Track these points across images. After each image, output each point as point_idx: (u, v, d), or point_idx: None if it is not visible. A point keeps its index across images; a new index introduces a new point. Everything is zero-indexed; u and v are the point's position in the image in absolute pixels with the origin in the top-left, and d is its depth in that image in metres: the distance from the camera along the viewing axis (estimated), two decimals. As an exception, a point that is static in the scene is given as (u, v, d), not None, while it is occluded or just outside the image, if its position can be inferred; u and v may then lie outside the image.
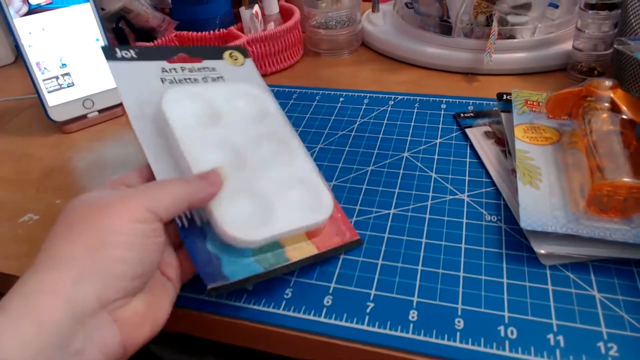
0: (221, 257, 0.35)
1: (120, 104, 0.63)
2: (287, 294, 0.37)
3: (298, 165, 0.41)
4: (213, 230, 0.35)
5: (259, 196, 0.37)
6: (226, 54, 0.48)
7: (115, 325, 0.29)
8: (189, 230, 0.35)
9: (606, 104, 0.42)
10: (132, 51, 0.42)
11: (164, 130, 0.39)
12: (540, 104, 0.50)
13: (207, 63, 0.46)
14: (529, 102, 0.50)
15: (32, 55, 0.57)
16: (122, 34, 0.64)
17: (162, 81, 0.42)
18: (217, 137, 0.40)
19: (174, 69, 0.44)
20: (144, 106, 0.40)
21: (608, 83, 0.43)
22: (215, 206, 0.35)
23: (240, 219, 0.35)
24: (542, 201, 0.39)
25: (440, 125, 0.54)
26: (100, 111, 0.61)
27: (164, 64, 0.43)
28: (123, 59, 0.42)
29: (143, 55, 0.43)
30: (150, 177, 0.37)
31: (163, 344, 0.58)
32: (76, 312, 0.26)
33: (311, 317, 0.35)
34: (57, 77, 0.58)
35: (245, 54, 0.49)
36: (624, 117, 0.41)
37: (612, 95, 0.42)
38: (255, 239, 0.35)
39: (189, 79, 0.44)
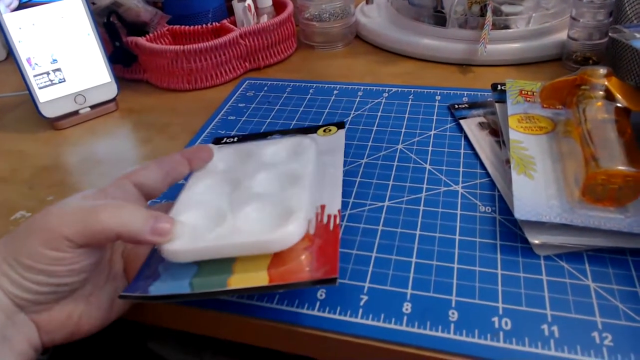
0: (162, 273, 0.34)
1: (113, 100, 0.62)
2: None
3: (291, 193, 0.37)
4: None
5: (223, 209, 0.36)
6: (320, 130, 0.50)
7: (33, 325, 0.31)
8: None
9: (600, 92, 0.42)
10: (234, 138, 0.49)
11: None
12: (535, 93, 0.49)
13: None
14: (523, 92, 0.50)
15: (23, 51, 0.56)
16: (114, 29, 0.64)
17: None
18: (222, 173, 0.41)
19: None
20: None
21: (602, 71, 0.43)
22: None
23: (182, 231, 0.34)
24: (537, 191, 0.39)
25: (435, 117, 0.54)
26: (92, 107, 0.61)
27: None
28: (226, 143, 0.48)
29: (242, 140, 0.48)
30: (169, 169, 0.38)
31: (162, 342, 0.58)
32: (2, 308, 0.30)
33: (305, 310, 0.35)
34: (48, 73, 0.58)
35: (341, 126, 0.50)
36: (619, 105, 0.41)
37: (606, 83, 0.42)
38: (188, 249, 0.33)
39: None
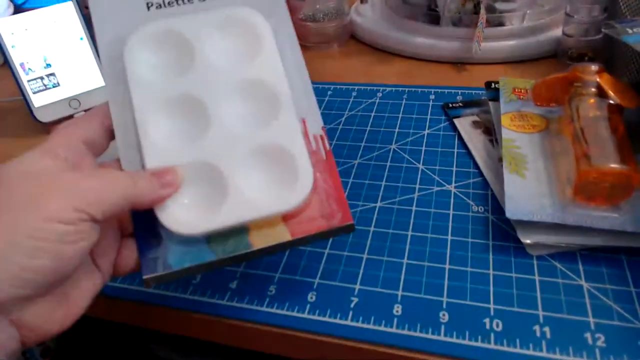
0: (170, 241, 0.30)
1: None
2: (271, 291, 0.36)
3: (280, 124, 0.32)
4: None
5: (216, 176, 0.31)
6: None
7: (12, 326, 0.25)
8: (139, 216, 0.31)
9: (592, 89, 0.42)
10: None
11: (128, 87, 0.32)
12: (528, 91, 0.49)
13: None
14: (516, 90, 0.50)
15: (16, 56, 0.56)
16: (107, 33, 0.64)
17: (148, 7, 0.34)
18: (179, 92, 0.32)
19: None
20: (120, 46, 0.32)
21: (594, 67, 0.42)
22: None
23: (185, 206, 0.30)
24: (529, 190, 0.39)
25: (429, 116, 0.54)
26: (86, 111, 0.61)
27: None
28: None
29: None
30: (104, 119, 0.32)
31: (165, 345, 0.58)
32: None
33: (295, 313, 0.35)
34: (42, 78, 0.58)
35: None
36: (611, 102, 0.41)
37: (598, 79, 0.42)
38: (196, 232, 0.30)
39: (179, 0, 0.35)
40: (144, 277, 0.30)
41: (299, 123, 0.32)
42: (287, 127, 0.32)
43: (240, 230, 0.31)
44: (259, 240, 0.31)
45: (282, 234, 0.31)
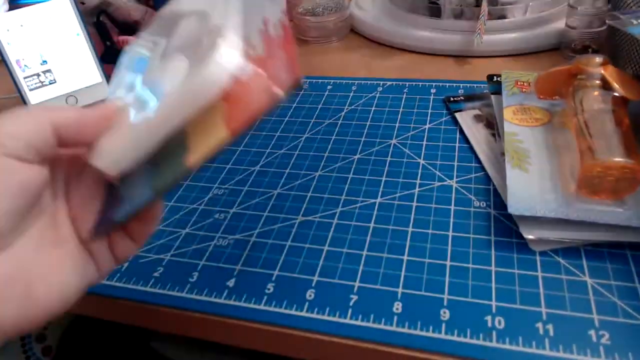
0: (124, 197, 0.27)
1: (105, 100, 0.62)
2: (269, 289, 0.36)
3: (212, 22, 0.26)
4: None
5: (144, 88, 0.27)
6: None
7: None
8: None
9: (597, 82, 0.41)
10: None
11: None
12: (531, 84, 0.48)
13: None
14: (519, 83, 0.49)
15: (12, 52, 0.56)
16: (104, 28, 0.63)
17: None
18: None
19: None
20: None
21: (598, 59, 0.41)
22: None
23: (111, 135, 0.26)
24: (532, 185, 0.38)
25: (430, 111, 0.53)
26: (84, 107, 0.60)
27: None
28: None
29: None
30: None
31: (165, 341, 0.58)
32: None
33: (293, 311, 0.34)
34: (38, 75, 0.57)
35: None
36: (616, 94, 0.40)
37: (602, 72, 0.41)
38: (117, 154, 0.26)
39: None
40: (90, 233, 0.27)
41: (236, 12, 0.26)
42: (217, 17, 0.26)
43: (175, 153, 0.25)
44: (194, 154, 0.25)
45: (219, 133, 0.25)
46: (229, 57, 0.24)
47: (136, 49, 0.33)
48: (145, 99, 0.27)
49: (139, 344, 0.59)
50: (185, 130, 0.25)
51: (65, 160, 0.27)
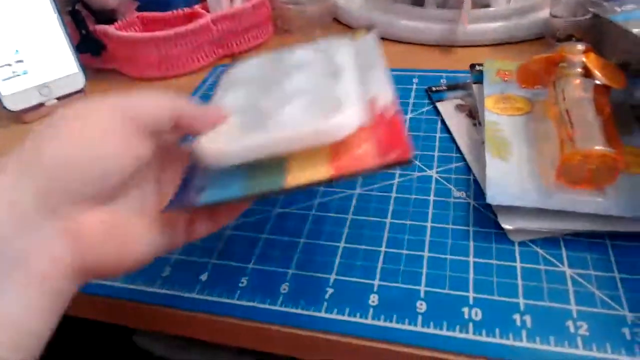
0: (209, 184, 0.30)
1: (81, 91, 0.60)
2: (242, 283, 0.35)
3: (336, 85, 0.32)
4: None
5: (263, 109, 0.32)
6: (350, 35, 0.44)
7: (65, 236, 0.24)
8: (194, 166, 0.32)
9: (579, 70, 0.40)
10: None
11: None
12: (513, 73, 0.47)
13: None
14: (501, 72, 0.48)
15: (-17, 42, 0.54)
16: (80, 17, 0.61)
17: None
18: (256, 77, 0.37)
19: None
20: None
21: (580, 47, 0.41)
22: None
23: (223, 132, 0.30)
24: (511, 174, 0.37)
25: (412, 100, 0.52)
26: (59, 99, 0.59)
27: None
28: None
29: None
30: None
31: (148, 336, 0.57)
32: (14, 213, 0.23)
33: (267, 306, 0.33)
34: (10, 65, 0.56)
35: (370, 29, 0.44)
36: (598, 82, 0.39)
37: (584, 59, 0.40)
38: (231, 149, 0.29)
39: None
40: (165, 207, 0.29)
41: (355, 83, 0.33)
42: (343, 84, 0.32)
43: (276, 170, 0.29)
44: (293, 180, 0.29)
45: (323, 172, 0.29)
46: (353, 117, 0.29)
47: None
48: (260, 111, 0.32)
49: (122, 338, 0.58)
50: (289, 155, 0.29)
51: (168, 144, 0.31)
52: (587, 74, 0.40)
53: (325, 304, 0.33)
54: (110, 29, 0.62)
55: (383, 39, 0.65)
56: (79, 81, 0.60)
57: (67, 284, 0.25)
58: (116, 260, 0.26)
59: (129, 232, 0.27)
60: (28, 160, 0.24)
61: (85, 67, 0.61)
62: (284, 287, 0.34)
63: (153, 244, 0.28)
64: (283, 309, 0.33)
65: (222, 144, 0.29)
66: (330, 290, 0.34)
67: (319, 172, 0.29)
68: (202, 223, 0.31)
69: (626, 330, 0.29)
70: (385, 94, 0.33)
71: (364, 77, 0.34)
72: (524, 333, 0.30)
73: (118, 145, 0.26)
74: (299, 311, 0.33)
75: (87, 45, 0.63)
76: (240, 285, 0.35)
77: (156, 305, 0.35)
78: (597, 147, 0.34)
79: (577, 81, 0.40)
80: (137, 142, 0.27)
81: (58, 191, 0.24)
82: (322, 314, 0.32)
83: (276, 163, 0.29)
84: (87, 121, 0.26)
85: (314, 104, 0.31)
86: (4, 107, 0.56)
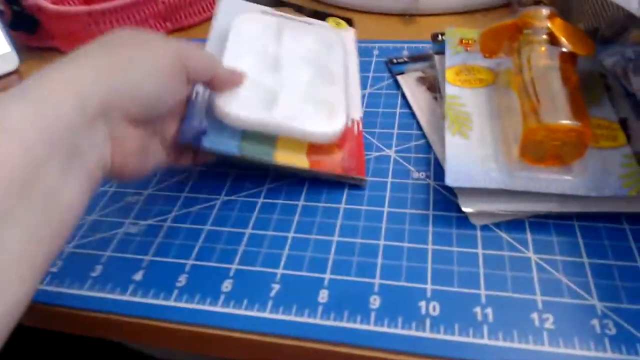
0: (209, 129, 0.35)
1: (15, 72, 0.55)
2: (180, 281, 0.32)
3: (330, 91, 0.39)
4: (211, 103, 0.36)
5: (271, 93, 0.37)
6: (331, 20, 0.51)
7: (109, 142, 0.28)
8: (196, 101, 0.36)
9: (544, 36, 0.37)
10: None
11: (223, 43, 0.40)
12: (476, 42, 0.44)
13: (307, 19, 0.49)
14: (463, 41, 0.45)
15: None
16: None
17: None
18: (264, 51, 0.41)
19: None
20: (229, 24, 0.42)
21: (545, 11, 0.37)
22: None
23: (240, 100, 0.35)
24: (472, 153, 0.34)
25: (371, 74, 0.48)
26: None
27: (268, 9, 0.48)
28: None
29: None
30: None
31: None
32: (83, 111, 0.26)
33: (206, 307, 0.30)
34: None
35: (351, 24, 0.52)
36: (564, 49, 0.36)
37: (549, 25, 0.37)
38: (245, 118, 0.35)
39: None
40: (179, 136, 0.34)
41: (344, 95, 0.40)
42: (336, 92, 0.40)
43: (267, 143, 0.36)
44: (281, 158, 0.36)
45: (302, 162, 0.36)
46: (338, 125, 0.37)
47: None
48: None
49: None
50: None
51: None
52: (552, 40, 0.37)
53: (271, 302, 0.30)
54: (44, 2, 0.56)
55: (340, 7, 0.61)
56: (12, 61, 0.55)
57: (98, 186, 0.28)
58: (135, 168, 0.31)
59: (151, 150, 0.33)
60: (101, 67, 0.27)
61: (20, 47, 0.56)
62: (227, 286, 0.31)
63: (160, 161, 0.34)
64: (224, 310, 0.30)
65: (239, 110, 0.35)
66: (276, 287, 0.31)
67: (300, 160, 0.36)
68: (187, 156, 0.37)
69: (596, 322, 0.27)
70: (357, 110, 0.42)
71: (347, 87, 0.41)
72: (485, 329, 0.27)
73: (172, 85, 0.31)
74: (241, 312, 0.29)
75: (20, 23, 0.58)
76: (177, 284, 0.31)
77: (84, 310, 0.31)
78: (562, 121, 0.31)
79: (542, 49, 0.37)
80: (183, 85, 0.32)
81: (118, 106, 0.28)
82: (267, 315, 0.29)
83: (269, 137, 0.36)
84: (157, 62, 0.30)
85: (313, 104, 0.37)
86: None
